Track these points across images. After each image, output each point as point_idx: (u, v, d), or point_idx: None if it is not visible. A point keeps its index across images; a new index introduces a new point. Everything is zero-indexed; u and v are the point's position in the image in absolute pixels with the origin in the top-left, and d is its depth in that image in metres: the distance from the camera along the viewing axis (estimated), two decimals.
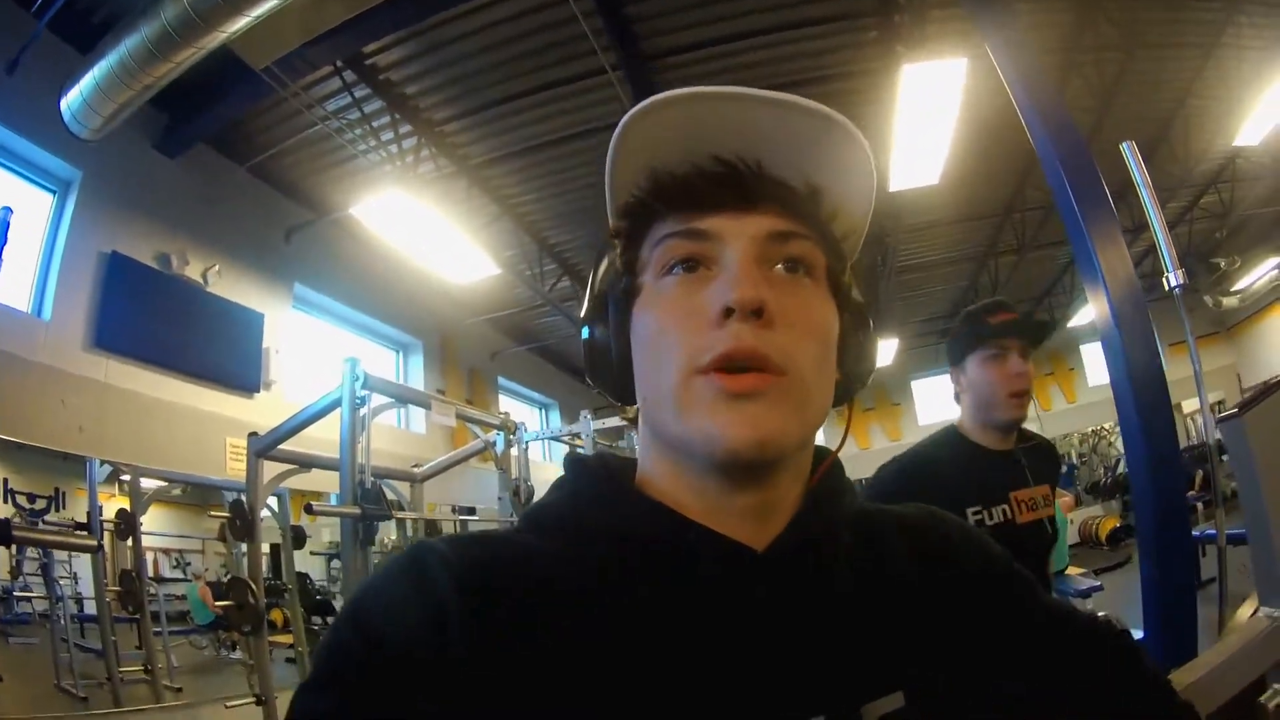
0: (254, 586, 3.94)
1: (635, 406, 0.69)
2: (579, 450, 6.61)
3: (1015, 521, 1.97)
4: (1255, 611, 1.24)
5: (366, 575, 3.90)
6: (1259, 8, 6.87)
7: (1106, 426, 14.93)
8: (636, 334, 0.65)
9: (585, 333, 0.71)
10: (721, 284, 0.60)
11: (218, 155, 6.33)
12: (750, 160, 0.63)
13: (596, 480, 0.68)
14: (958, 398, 2.11)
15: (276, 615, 5.78)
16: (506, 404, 11.66)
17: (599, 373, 0.70)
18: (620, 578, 0.60)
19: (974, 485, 1.97)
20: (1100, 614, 0.83)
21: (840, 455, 0.72)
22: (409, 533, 5.06)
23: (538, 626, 0.56)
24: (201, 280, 6.02)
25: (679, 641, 0.58)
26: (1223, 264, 12.23)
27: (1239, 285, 12.97)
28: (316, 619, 6.56)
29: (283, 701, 3.93)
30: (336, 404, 3.87)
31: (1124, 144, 2.88)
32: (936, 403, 14.75)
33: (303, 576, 6.45)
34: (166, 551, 5.65)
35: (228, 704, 3.95)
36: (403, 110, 6.11)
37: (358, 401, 3.82)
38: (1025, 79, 4.11)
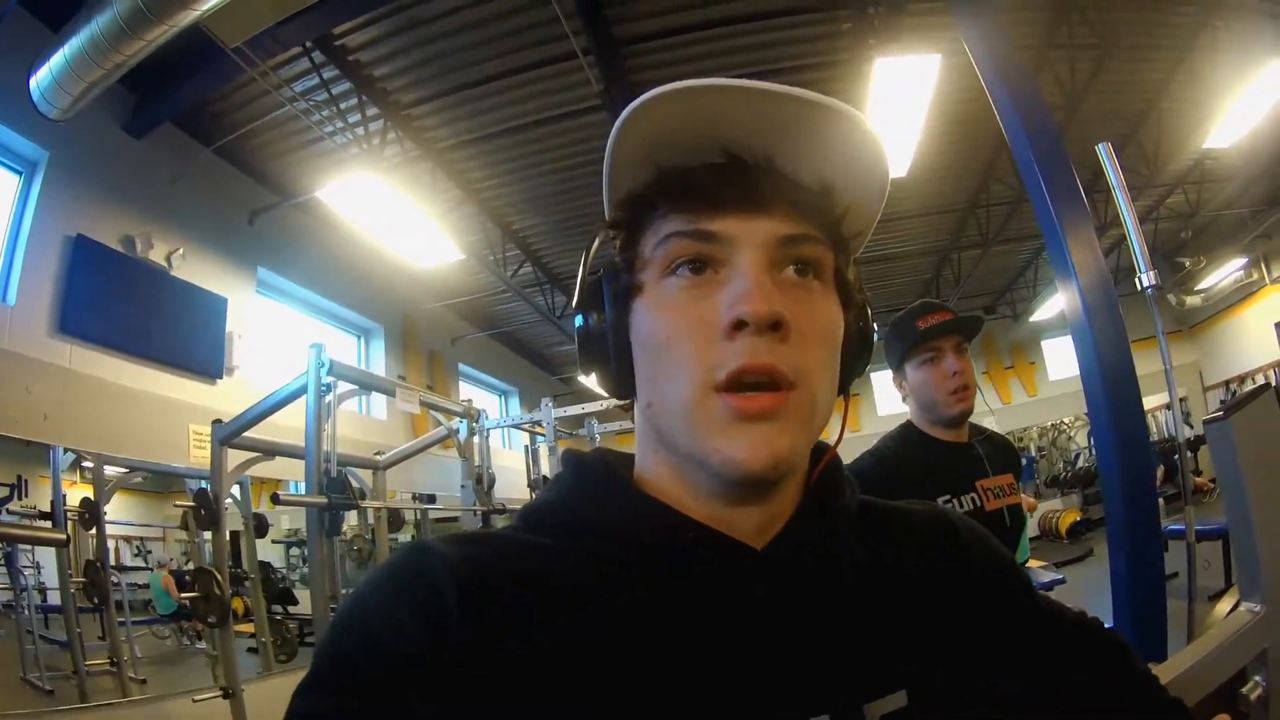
0: (219, 576, 3.89)
1: (629, 400, 0.69)
2: (538, 439, 6.64)
3: (984, 509, 2.03)
4: (1235, 605, 1.28)
5: (332, 564, 3.93)
6: (1234, 13, 6.99)
7: (1067, 420, 15.15)
8: (639, 335, 0.64)
9: (579, 320, 0.69)
10: (732, 292, 0.58)
11: (184, 136, 6.21)
12: (761, 156, 0.62)
13: (596, 477, 0.67)
14: (905, 400, 2.19)
15: (238, 604, 5.71)
16: (466, 390, 11.64)
17: (594, 366, 0.69)
18: (620, 576, 0.60)
19: (941, 476, 2.04)
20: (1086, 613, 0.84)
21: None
22: (371, 521, 5.03)
23: (536, 625, 0.56)
24: (166, 264, 5.90)
25: (679, 640, 0.58)
26: (1188, 264, 12.46)
27: (1203, 285, 13.20)
28: (278, 608, 6.50)
29: (250, 693, 3.93)
30: (301, 391, 3.85)
31: (1099, 145, 2.91)
32: (895, 395, 14.81)
33: (266, 566, 6.39)
34: (128, 539, 5.54)
35: (195, 698, 3.89)
36: (370, 93, 6.03)
37: (323, 389, 3.78)
38: (1002, 74, 4.16)
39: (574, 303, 0.71)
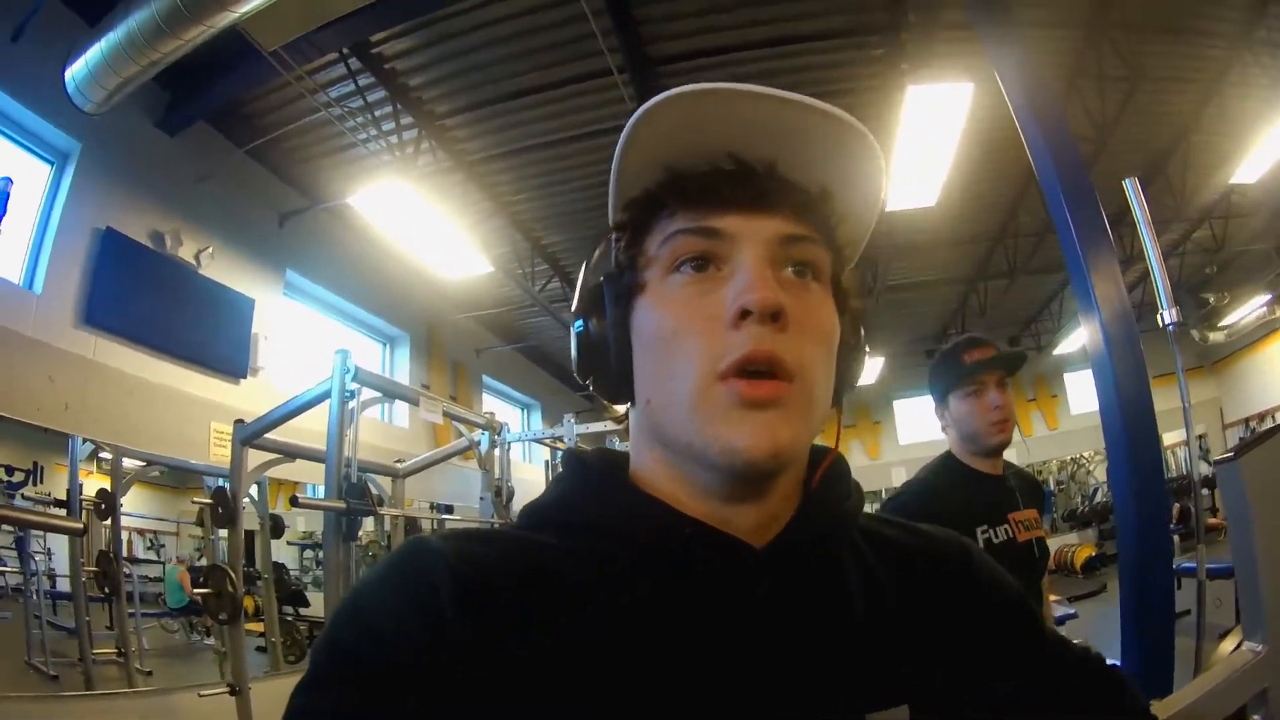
0: (233, 575, 3.92)
1: (624, 406, 0.71)
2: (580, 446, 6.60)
3: (1016, 540, 2.08)
4: (1239, 645, 1.30)
5: (347, 569, 3.95)
6: (1266, 48, 6.96)
7: (1086, 455, 15.03)
8: (640, 332, 0.64)
9: (578, 325, 0.69)
10: (736, 285, 0.60)
11: (217, 135, 6.26)
12: (766, 160, 0.63)
13: (595, 476, 0.68)
14: (945, 430, 2.23)
15: (249, 603, 5.71)
16: (489, 402, 11.64)
17: (593, 369, 0.69)
18: (620, 574, 0.60)
19: (979, 507, 2.09)
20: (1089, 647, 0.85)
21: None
22: (387, 528, 5.04)
23: (535, 623, 0.56)
24: (194, 262, 5.95)
25: (679, 639, 0.58)
26: (1212, 299, 12.34)
27: (1227, 320, 13.08)
28: (289, 609, 6.52)
29: (256, 692, 3.94)
30: (325, 395, 3.88)
31: (1126, 180, 2.89)
32: (917, 423, 14.76)
33: (279, 566, 6.42)
34: (141, 532, 5.58)
35: (201, 693, 3.91)
36: (405, 101, 6.07)
37: (347, 395, 3.81)
38: (1031, 104, 4.14)
39: (574, 308, 0.72)
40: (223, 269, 6.25)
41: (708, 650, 0.58)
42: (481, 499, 5.09)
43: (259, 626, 5.70)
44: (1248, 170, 8.01)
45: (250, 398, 5.94)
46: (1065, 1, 6.11)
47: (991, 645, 0.72)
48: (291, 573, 7.04)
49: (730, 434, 0.57)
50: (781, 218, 0.63)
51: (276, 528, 6.12)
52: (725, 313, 0.59)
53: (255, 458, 4.46)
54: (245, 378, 6.33)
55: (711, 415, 0.58)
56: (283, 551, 6.81)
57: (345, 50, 5.49)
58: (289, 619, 6.37)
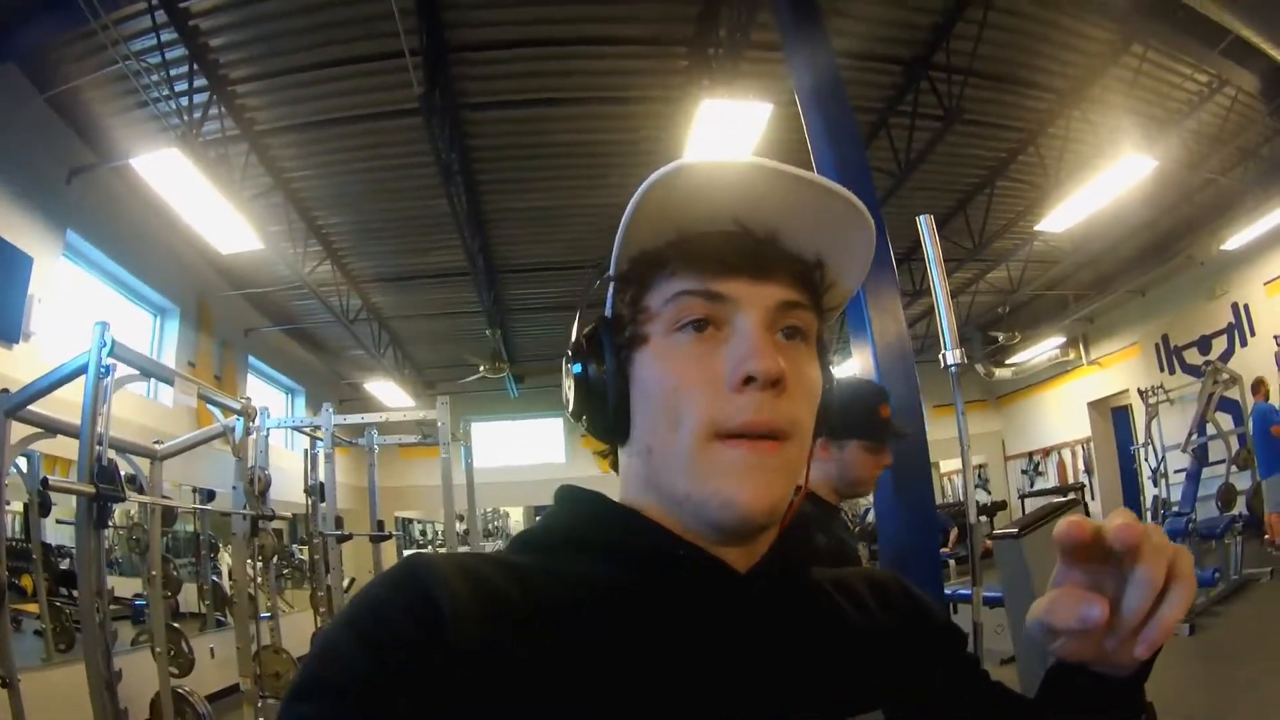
0: None
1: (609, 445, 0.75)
2: (318, 443, 6.41)
3: None
4: None
5: (99, 556, 3.71)
6: (1095, 107, 7.46)
7: None
8: (642, 384, 0.67)
9: (577, 369, 0.72)
10: (738, 349, 0.63)
11: (22, 79, 5.85)
12: (769, 228, 0.67)
13: (590, 504, 0.71)
14: (818, 461, 2.20)
15: (27, 581, 5.40)
16: (255, 384, 11.39)
17: (588, 410, 0.72)
18: (610, 592, 0.63)
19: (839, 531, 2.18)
20: None
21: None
22: (147, 514, 4.80)
23: (529, 636, 0.57)
24: None
25: (667, 655, 0.60)
26: (1001, 338, 13.23)
27: (1016, 359, 14.06)
28: (65, 591, 6.08)
29: (28, 684, 3.71)
30: (82, 370, 3.64)
31: (920, 216, 2.94)
32: None
33: (46, 547, 5.97)
34: None
35: None
36: (202, 63, 5.82)
37: (103, 370, 3.58)
38: (829, 129, 4.24)
39: (571, 349, 0.73)
40: (4, 223, 5.81)
41: (695, 666, 0.61)
42: (234, 488, 4.88)
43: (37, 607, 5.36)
44: (1056, 220, 8.57)
45: (20, 366, 5.51)
46: (889, 37, 6.39)
47: (939, 658, 0.78)
48: (60, 553, 6.55)
49: (729, 490, 0.62)
50: (779, 285, 0.67)
51: (44, 505, 5.68)
52: (726, 374, 0.63)
53: (20, 430, 4.24)
54: (17, 343, 5.86)
55: (711, 472, 0.62)
56: (59, 531, 6.34)
57: (154, 1, 5.20)
58: (60, 603, 5.92)
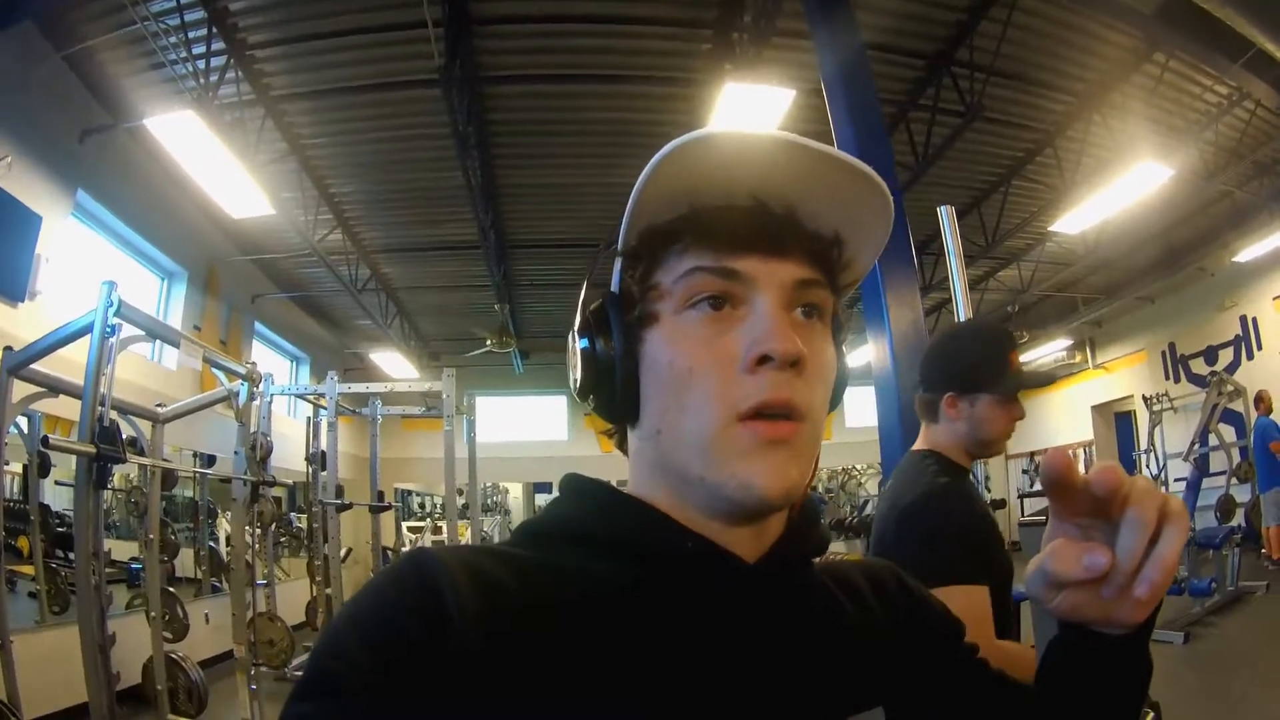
0: None
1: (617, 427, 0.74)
2: (321, 412, 6.38)
3: None
4: None
5: (97, 518, 3.72)
6: (1115, 112, 7.41)
7: (859, 467, 15.83)
8: (653, 365, 0.65)
9: (584, 344, 0.69)
10: (754, 329, 0.62)
11: (40, 38, 5.81)
12: (785, 204, 0.65)
13: (596, 494, 0.70)
14: (937, 415, 2.00)
15: (23, 542, 5.45)
16: (260, 351, 11.38)
17: (595, 390, 0.70)
18: (616, 589, 0.62)
19: (981, 506, 1.96)
20: None
21: None
22: (148, 476, 4.82)
23: (534, 635, 0.57)
24: None
25: (675, 646, 0.61)
26: None
27: (1022, 359, 14.01)
28: (60, 554, 6.11)
29: (21, 646, 3.74)
30: (87, 329, 3.65)
31: (941, 207, 2.91)
32: (860, 409, 15.03)
33: (45, 508, 6.00)
34: None
35: None
36: (221, 25, 5.77)
37: (108, 330, 3.58)
38: (852, 118, 4.23)
39: (577, 325, 0.71)
40: (15, 180, 5.76)
41: (703, 656, 0.61)
42: (235, 453, 4.88)
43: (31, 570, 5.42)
44: (1070, 222, 8.54)
45: (25, 324, 5.52)
46: (913, 30, 6.35)
47: (938, 651, 0.79)
48: (59, 515, 6.59)
49: (746, 472, 0.60)
50: (796, 262, 0.65)
51: (44, 466, 5.70)
52: (741, 354, 0.61)
53: (22, 389, 4.24)
54: (23, 301, 5.85)
55: (728, 454, 0.61)
56: (58, 493, 6.37)
57: None
58: (56, 565, 5.96)
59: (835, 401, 0.72)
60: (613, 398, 0.68)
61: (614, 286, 0.70)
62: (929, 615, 0.81)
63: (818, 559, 0.77)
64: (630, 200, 0.64)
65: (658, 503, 0.67)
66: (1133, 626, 0.61)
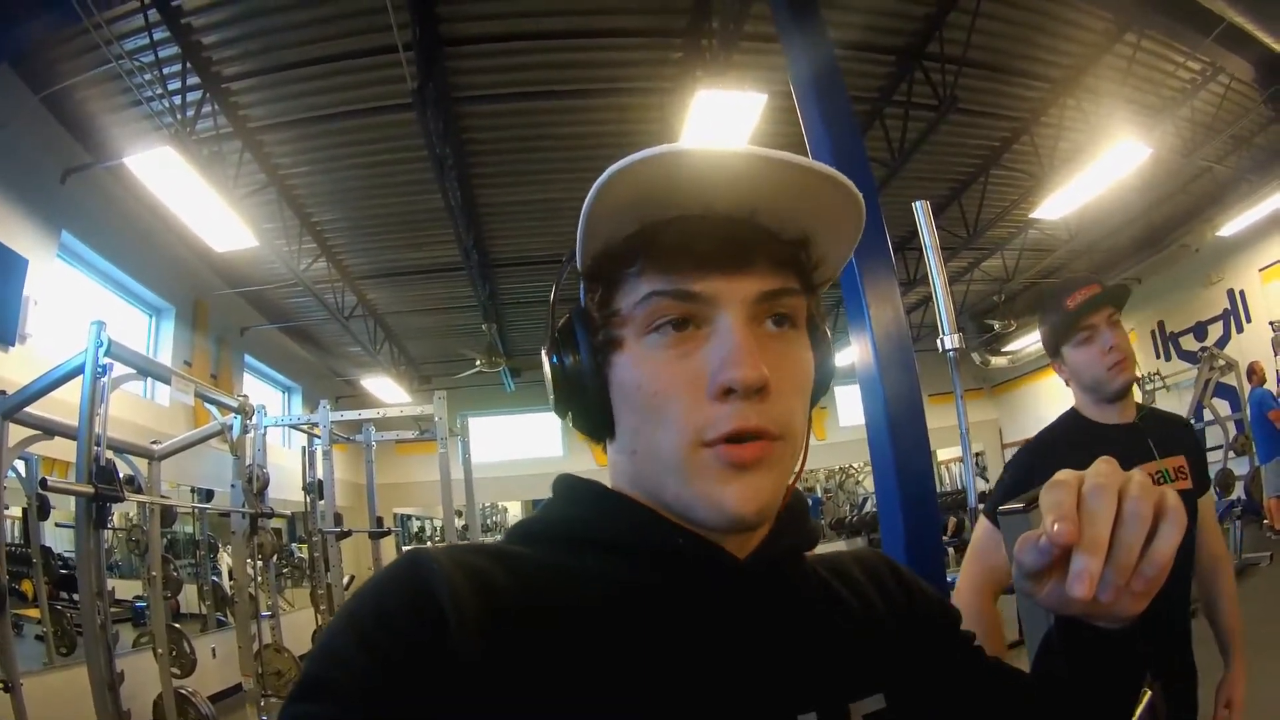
0: None
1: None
2: (315, 441, 6.34)
3: None
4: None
5: (98, 557, 3.71)
6: (1089, 95, 7.46)
7: (856, 465, 15.83)
8: (621, 386, 0.65)
9: (554, 360, 0.69)
10: (719, 352, 0.60)
11: (15, 80, 5.82)
12: (744, 210, 0.63)
13: (589, 494, 0.70)
14: (1068, 384, 2.11)
15: (27, 586, 5.41)
16: (251, 383, 11.37)
17: (572, 408, 0.70)
18: (611, 587, 0.63)
19: (1091, 461, 1.95)
20: None
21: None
22: (147, 514, 4.81)
23: (530, 634, 0.57)
24: None
25: (672, 641, 0.61)
26: (996, 326, 13.22)
27: (1011, 347, 14.03)
28: (65, 595, 6.09)
29: (29, 687, 3.73)
30: (78, 370, 3.65)
31: (916, 203, 2.86)
32: (852, 408, 15.09)
33: (46, 550, 5.97)
34: None
35: None
36: (195, 61, 5.79)
37: (100, 370, 3.58)
38: (824, 119, 4.22)
39: (547, 345, 0.71)
40: None
41: (700, 651, 0.61)
42: (233, 486, 4.88)
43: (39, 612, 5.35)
44: (1051, 208, 8.58)
45: (17, 367, 5.50)
46: (883, 26, 6.38)
47: (935, 639, 0.78)
48: (61, 557, 6.56)
49: (717, 494, 0.60)
50: (759, 274, 0.62)
51: (43, 509, 5.68)
52: (707, 378, 0.60)
53: (18, 432, 4.23)
54: (14, 345, 5.85)
55: (699, 477, 0.60)
56: (58, 535, 6.34)
57: (147, 0, 5.18)
58: (60, 607, 5.93)
59: (817, 399, 0.72)
60: (589, 414, 0.68)
61: (582, 301, 0.69)
62: (926, 603, 0.81)
63: (809, 552, 0.76)
64: (580, 224, 0.63)
65: (644, 503, 0.67)
66: (1127, 620, 0.60)
